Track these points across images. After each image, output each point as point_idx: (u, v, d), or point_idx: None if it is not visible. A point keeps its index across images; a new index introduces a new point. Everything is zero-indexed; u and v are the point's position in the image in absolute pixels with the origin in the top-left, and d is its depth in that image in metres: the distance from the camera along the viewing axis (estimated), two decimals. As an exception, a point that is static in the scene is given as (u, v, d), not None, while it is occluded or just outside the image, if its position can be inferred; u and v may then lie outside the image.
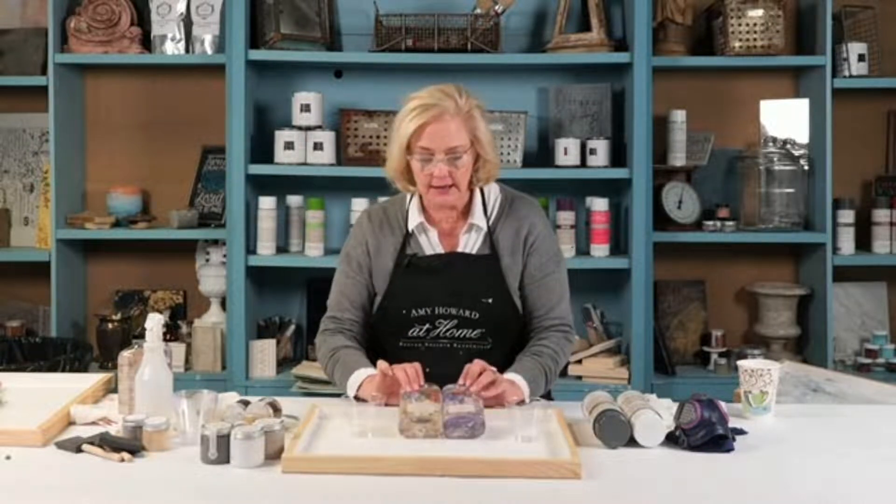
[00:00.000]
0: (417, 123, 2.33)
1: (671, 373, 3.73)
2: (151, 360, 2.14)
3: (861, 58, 3.77)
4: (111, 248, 4.00)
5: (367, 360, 2.37)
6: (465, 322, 2.39)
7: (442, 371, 2.30)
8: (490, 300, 2.40)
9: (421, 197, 2.48)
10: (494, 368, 2.25)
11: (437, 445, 2.02)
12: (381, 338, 2.46)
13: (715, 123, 3.93)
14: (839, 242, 3.75)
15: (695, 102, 3.88)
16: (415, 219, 2.47)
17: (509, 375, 2.31)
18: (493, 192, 2.51)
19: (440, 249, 2.46)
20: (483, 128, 2.40)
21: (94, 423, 2.17)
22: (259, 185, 3.76)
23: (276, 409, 2.14)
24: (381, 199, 2.66)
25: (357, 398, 2.30)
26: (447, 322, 2.39)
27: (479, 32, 3.66)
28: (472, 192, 2.46)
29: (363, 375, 2.32)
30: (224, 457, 1.91)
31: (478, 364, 2.23)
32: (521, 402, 2.25)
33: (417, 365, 2.23)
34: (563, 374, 3.66)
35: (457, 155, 2.34)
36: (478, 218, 2.46)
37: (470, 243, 2.46)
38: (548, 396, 2.49)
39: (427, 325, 2.40)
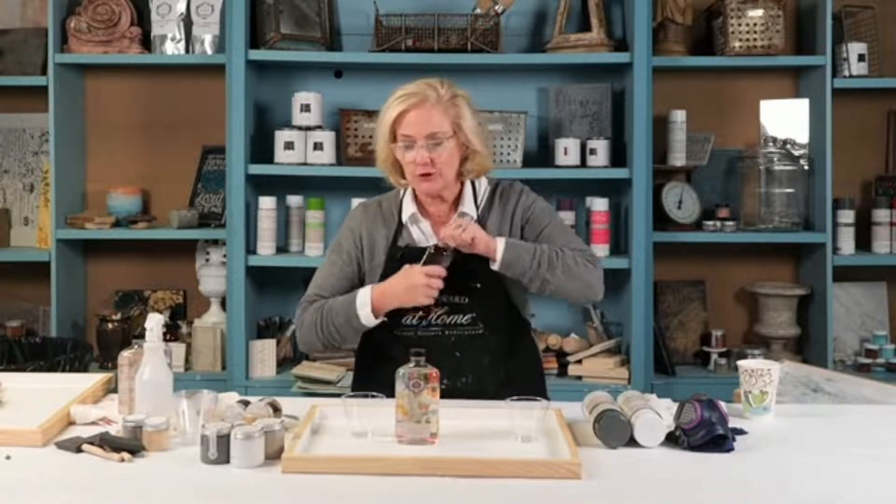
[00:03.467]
0: (398, 111, 2.41)
1: (671, 373, 3.73)
2: (151, 360, 2.14)
3: (861, 58, 3.77)
4: (111, 248, 4.00)
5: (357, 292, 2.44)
6: (455, 308, 2.42)
7: (435, 358, 2.31)
8: (478, 285, 2.43)
9: (414, 191, 2.52)
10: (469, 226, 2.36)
11: (437, 446, 2.02)
12: (376, 330, 2.46)
13: (715, 123, 3.93)
14: (839, 242, 3.75)
15: (695, 102, 3.88)
16: (408, 210, 2.51)
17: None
18: (483, 182, 2.56)
19: (433, 240, 2.48)
20: (468, 117, 2.44)
21: (94, 423, 2.17)
22: (259, 185, 3.76)
23: (276, 409, 2.14)
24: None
25: (376, 315, 2.39)
26: (439, 309, 2.42)
27: (479, 32, 3.66)
28: (462, 184, 2.51)
29: (367, 292, 2.40)
30: (224, 457, 1.91)
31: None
32: (490, 258, 2.37)
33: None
34: (563, 373, 3.68)
35: (437, 141, 2.40)
36: (468, 206, 2.51)
37: None
38: (545, 396, 2.49)
39: (420, 313, 2.44)
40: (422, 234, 2.50)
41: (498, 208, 2.52)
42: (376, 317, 2.39)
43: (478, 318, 2.44)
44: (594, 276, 2.47)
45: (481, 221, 2.50)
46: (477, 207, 2.51)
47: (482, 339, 2.45)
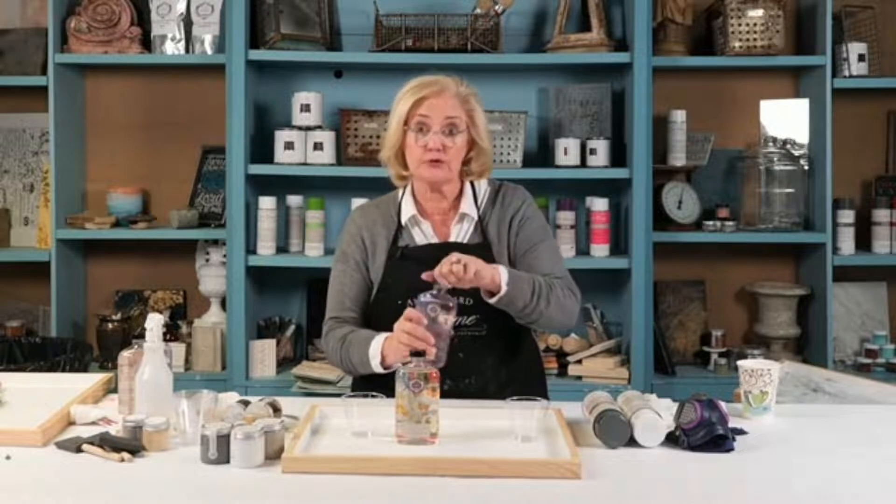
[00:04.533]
0: (417, 96, 2.40)
1: (671, 373, 3.73)
2: (151, 360, 2.14)
3: (861, 58, 3.77)
4: (111, 248, 4.00)
5: (377, 333, 2.37)
6: (460, 309, 2.39)
7: None
8: None
9: (413, 190, 2.50)
10: (464, 260, 2.23)
11: (437, 446, 2.02)
12: (376, 329, 2.45)
13: (715, 123, 3.93)
14: (839, 242, 3.75)
15: (695, 102, 3.88)
16: (408, 211, 2.50)
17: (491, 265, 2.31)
18: (483, 184, 2.55)
19: (434, 240, 2.48)
20: (480, 114, 2.46)
21: (94, 423, 2.17)
22: (259, 185, 3.76)
23: (276, 409, 2.14)
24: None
25: (385, 367, 2.31)
26: None
27: (479, 32, 3.66)
28: (462, 184, 2.51)
29: (380, 343, 2.32)
30: (224, 457, 1.91)
31: (447, 263, 2.21)
32: (495, 293, 2.28)
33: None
34: (563, 373, 3.68)
35: (453, 128, 2.40)
36: (468, 207, 2.49)
37: (462, 233, 2.49)
38: (545, 396, 2.50)
39: None
40: (423, 234, 2.49)
41: (499, 209, 2.51)
42: (385, 368, 2.33)
43: (482, 320, 2.43)
44: (576, 307, 2.47)
45: (482, 222, 2.49)
46: (477, 208, 2.50)
47: (486, 340, 2.44)
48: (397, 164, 2.49)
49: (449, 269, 2.21)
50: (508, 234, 2.49)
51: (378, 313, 2.46)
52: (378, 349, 2.33)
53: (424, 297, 2.22)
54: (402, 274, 2.43)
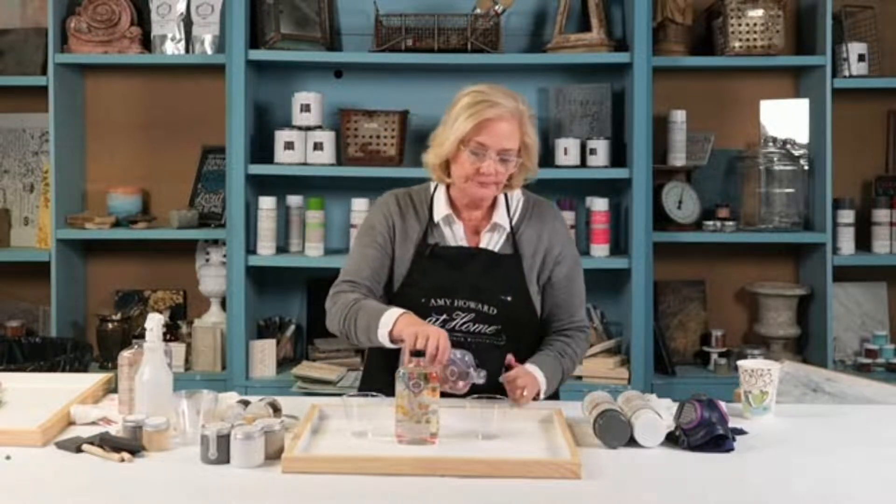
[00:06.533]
0: (479, 119, 2.35)
1: (671, 373, 3.73)
2: (151, 360, 2.14)
3: (861, 58, 3.77)
4: (111, 248, 4.00)
5: (392, 306, 2.34)
6: (482, 317, 2.40)
7: None
8: (509, 298, 2.42)
9: (448, 189, 2.49)
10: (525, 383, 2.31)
11: (437, 446, 2.03)
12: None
13: (715, 123, 3.93)
14: (839, 242, 3.75)
15: (695, 102, 3.89)
16: (441, 210, 2.48)
17: (530, 367, 2.36)
18: (516, 194, 2.54)
19: (464, 244, 2.47)
20: (532, 136, 2.44)
21: (94, 423, 2.17)
22: (259, 185, 3.76)
23: (276, 409, 2.15)
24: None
25: (392, 340, 2.27)
26: (465, 315, 2.39)
27: (479, 32, 3.66)
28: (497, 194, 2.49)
29: (396, 313, 2.28)
30: (224, 457, 1.91)
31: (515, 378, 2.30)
32: (536, 398, 2.33)
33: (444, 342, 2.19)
34: (563, 374, 3.68)
35: (508, 157, 2.38)
36: (501, 218, 2.48)
37: (492, 242, 2.48)
38: (555, 396, 2.50)
39: (444, 316, 2.40)
40: (453, 236, 2.47)
41: (534, 224, 2.50)
42: (392, 341, 2.29)
43: (503, 330, 2.42)
44: (584, 354, 2.60)
45: (514, 235, 2.48)
46: (510, 219, 2.49)
47: (503, 350, 2.41)
48: (441, 171, 2.46)
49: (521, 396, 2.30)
50: (545, 260, 2.48)
51: (400, 306, 2.44)
52: (391, 320, 2.27)
53: (457, 356, 2.22)
54: (430, 272, 2.42)
